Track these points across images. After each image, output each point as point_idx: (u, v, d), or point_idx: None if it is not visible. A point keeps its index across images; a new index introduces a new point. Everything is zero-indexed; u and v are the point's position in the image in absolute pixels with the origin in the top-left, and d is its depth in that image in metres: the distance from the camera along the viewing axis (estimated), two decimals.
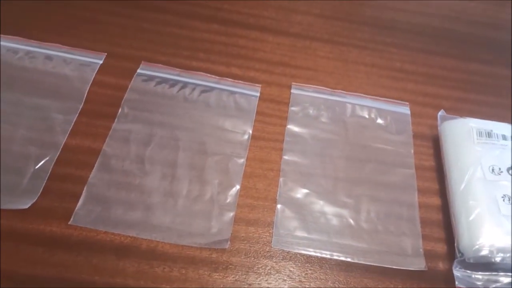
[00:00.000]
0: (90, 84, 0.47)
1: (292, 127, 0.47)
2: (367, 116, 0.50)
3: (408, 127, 0.49)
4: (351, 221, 0.41)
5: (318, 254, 0.39)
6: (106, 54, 0.50)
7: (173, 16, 0.56)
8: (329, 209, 0.42)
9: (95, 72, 0.48)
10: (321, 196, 0.42)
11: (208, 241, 0.38)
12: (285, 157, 0.45)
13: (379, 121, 0.49)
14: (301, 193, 0.42)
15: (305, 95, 0.50)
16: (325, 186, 0.43)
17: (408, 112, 0.51)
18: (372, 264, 0.39)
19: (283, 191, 0.42)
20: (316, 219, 0.41)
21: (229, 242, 0.38)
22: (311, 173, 0.44)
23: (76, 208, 0.38)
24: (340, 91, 0.51)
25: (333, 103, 0.50)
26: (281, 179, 0.43)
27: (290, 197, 0.42)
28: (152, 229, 0.38)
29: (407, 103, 0.51)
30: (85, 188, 0.39)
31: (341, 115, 0.49)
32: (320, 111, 0.49)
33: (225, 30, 0.56)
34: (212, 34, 0.55)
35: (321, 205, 0.42)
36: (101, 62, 0.49)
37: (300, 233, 0.40)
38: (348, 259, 0.39)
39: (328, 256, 0.39)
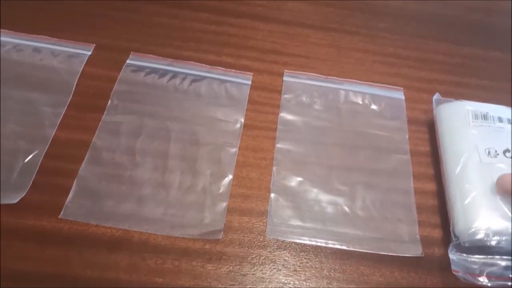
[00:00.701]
0: (78, 76, 0.46)
1: (285, 115, 0.47)
2: (360, 102, 0.49)
3: (403, 112, 0.49)
4: (346, 208, 0.41)
5: (313, 243, 0.39)
6: (94, 45, 0.49)
7: (162, 6, 0.55)
8: (323, 197, 0.41)
9: (84, 63, 0.47)
10: (315, 184, 0.42)
11: (201, 232, 0.37)
12: (278, 145, 0.44)
13: (373, 107, 0.49)
14: (295, 181, 0.42)
15: (297, 82, 0.50)
16: (319, 174, 0.43)
17: (403, 97, 0.50)
18: (368, 251, 0.39)
19: (277, 180, 0.42)
20: (310, 207, 0.41)
21: (222, 233, 0.38)
22: (305, 161, 0.43)
23: (66, 202, 0.38)
24: (333, 77, 0.51)
25: (326, 90, 0.49)
26: (274, 168, 0.42)
27: (284, 186, 0.41)
28: (144, 221, 0.38)
29: (401, 88, 0.51)
30: (75, 182, 0.39)
31: (334, 102, 0.49)
32: (313, 98, 0.48)
33: (216, 19, 0.55)
34: (202, 23, 0.54)
35: (315, 193, 0.41)
36: (89, 53, 0.48)
37: (294, 222, 0.39)
38: (344, 247, 0.39)
39: (323, 245, 0.39)
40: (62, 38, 0.49)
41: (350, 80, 0.51)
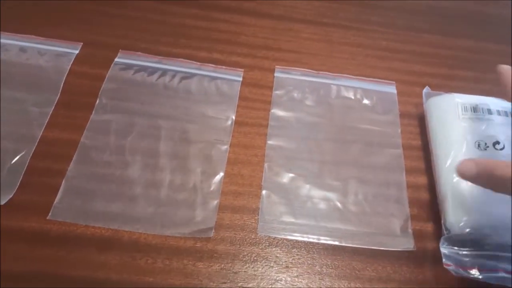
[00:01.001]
0: (66, 75, 0.45)
1: (276, 111, 0.46)
2: (352, 97, 0.48)
3: (395, 106, 0.48)
4: (339, 204, 0.40)
5: (305, 239, 0.38)
6: (82, 43, 0.48)
7: (152, 2, 0.54)
8: (316, 193, 0.41)
9: (71, 62, 0.46)
10: (308, 180, 0.42)
11: (192, 230, 0.37)
12: (270, 142, 0.44)
13: (365, 101, 0.48)
14: (286, 177, 0.42)
15: (288, 78, 0.49)
16: (312, 169, 0.42)
17: (395, 91, 0.50)
18: (360, 246, 0.38)
19: (268, 177, 0.41)
20: (302, 203, 0.40)
21: (213, 231, 0.37)
22: (297, 157, 0.43)
23: (55, 203, 0.37)
24: (325, 72, 0.50)
25: (318, 85, 0.49)
26: (266, 165, 0.42)
27: (276, 182, 0.41)
28: (134, 220, 0.37)
29: (394, 82, 0.50)
30: (63, 182, 0.38)
31: (326, 97, 0.48)
32: (305, 94, 0.48)
33: (206, 15, 0.54)
34: (193, 20, 0.53)
35: (307, 189, 0.41)
36: (77, 52, 0.47)
37: (286, 219, 0.39)
38: (336, 243, 0.38)
39: (315, 241, 0.38)
40: (49, 37, 0.48)
41: (341, 75, 0.50)
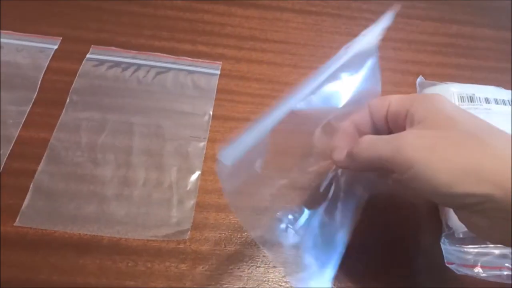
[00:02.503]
0: (44, 72, 0.44)
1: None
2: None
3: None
4: None
5: None
6: (61, 38, 0.47)
7: None
8: None
9: (50, 58, 0.45)
10: None
11: (167, 232, 0.35)
12: None
13: None
14: None
15: None
16: None
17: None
18: None
19: None
20: None
21: (189, 232, 0.36)
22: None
23: (22, 208, 0.35)
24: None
25: None
26: None
27: None
28: (105, 224, 0.35)
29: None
30: (31, 185, 0.37)
31: None
32: None
33: (190, 6, 0.52)
34: (176, 11, 0.51)
35: None
36: (55, 47, 0.46)
37: None
38: None
39: None
40: (28, 32, 0.46)
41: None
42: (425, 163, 0.25)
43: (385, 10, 0.55)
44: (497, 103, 0.41)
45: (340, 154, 0.31)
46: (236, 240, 0.36)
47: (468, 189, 0.24)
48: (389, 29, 0.53)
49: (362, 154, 0.29)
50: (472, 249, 0.35)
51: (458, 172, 0.24)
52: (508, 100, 0.41)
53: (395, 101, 0.31)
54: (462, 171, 0.24)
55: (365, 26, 0.53)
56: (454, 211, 0.29)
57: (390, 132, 0.31)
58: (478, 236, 0.28)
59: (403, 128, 0.29)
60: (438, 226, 0.37)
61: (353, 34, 0.52)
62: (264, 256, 0.36)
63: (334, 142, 0.32)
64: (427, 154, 0.25)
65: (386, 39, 0.52)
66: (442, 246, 0.36)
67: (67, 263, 0.34)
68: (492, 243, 0.29)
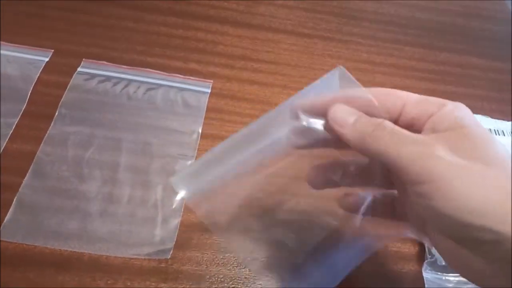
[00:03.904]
0: (34, 84, 0.44)
1: None
2: None
3: None
4: None
5: None
6: (53, 51, 0.47)
7: (128, 9, 0.52)
8: None
9: (40, 70, 0.45)
10: None
11: (149, 251, 0.35)
12: None
13: None
14: None
15: None
16: None
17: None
18: None
19: None
20: None
21: (171, 252, 0.36)
22: None
23: (4, 222, 0.35)
24: None
25: None
26: None
27: None
28: (87, 240, 0.35)
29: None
30: (15, 199, 0.36)
31: None
32: None
33: (183, 23, 0.53)
34: (169, 28, 0.52)
35: None
36: (47, 59, 0.46)
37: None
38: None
39: None
40: (20, 44, 0.46)
41: None
42: (457, 183, 0.22)
43: (376, 34, 0.57)
44: (495, 134, 0.41)
45: (347, 114, 0.26)
46: (218, 261, 0.36)
47: (493, 225, 0.21)
48: (379, 54, 0.55)
49: (378, 142, 0.24)
50: (453, 277, 0.36)
51: (490, 203, 0.21)
52: (495, 130, 0.42)
53: (415, 104, 0.26)
54: (494, 203, 0.21)
55: (355, 50, 0.54)
56: (440, 247, 0.26)
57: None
58: (465, 276, 0.25)
59: (417, 129, 0.25)
60: (421, 254, 0.38)
61: (343, 57, 0.53)
62: (245, 277, 0.36)
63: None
64: (460, 173, 0.22)
65: (375, 64, 0.53)
66: (424, 274, 0.36)
67: (46, 279, 0.33)
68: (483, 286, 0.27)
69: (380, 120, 0.25)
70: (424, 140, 0.24)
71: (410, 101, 0.26)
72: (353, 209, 0.30)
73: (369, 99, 0.26)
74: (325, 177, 0.30)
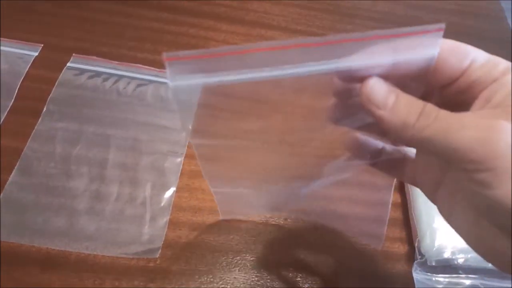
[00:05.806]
0: (22, 79, 0.43)
1: None
2: None
3: None
4: None
5: None
6: (42, 45, 0.46)
7: (119, 5, 0.52)
8: None
9: (29, 65, 0.44)
10: None
11: (137, 250, 0.35)
12: None
13: None
14: None
15: None
16: None
17: None
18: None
19: None
20: None
21: (160, 251, 0.35)
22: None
23: None
24: None
25: None
26: None
27: None
28: (74, 239, 0.35)
29: None
30: (0, 196, 0.36)
31: None
32: None
33: (175, 19, 0.52)
34: (161, 23, 0.51)
35: None
36: (36, 54, 0.45)
37: None
38: None
39: None
40: (7, 38, 0.46)
41: None
42: None
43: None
44: None
45: (386, 92, 0.21)
46: (207, 260, 0.36)
47: None
48: None
49: (423, 132, 0.20)
50: (443, 278, 0.36)
51: None
52: None
53: (481, 64, 0.21)
54: None
55: None
56: (457, 223, 0.24)
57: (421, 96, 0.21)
58: (481, 254, 0.23)
59: (463, 102, 0.21)
60: (411, 254, 0.38)
61: None
62: (235, 277, 0.35)
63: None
64: None
65: None
66: (414, 274, 0.36)
67: (32, 279, 0.33)
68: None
69: (420, 105, 0.21)
70: (488, 124, 0.19)
71: (478, 59, 0.21)
72: (360, 151, 0.27)
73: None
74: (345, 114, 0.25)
